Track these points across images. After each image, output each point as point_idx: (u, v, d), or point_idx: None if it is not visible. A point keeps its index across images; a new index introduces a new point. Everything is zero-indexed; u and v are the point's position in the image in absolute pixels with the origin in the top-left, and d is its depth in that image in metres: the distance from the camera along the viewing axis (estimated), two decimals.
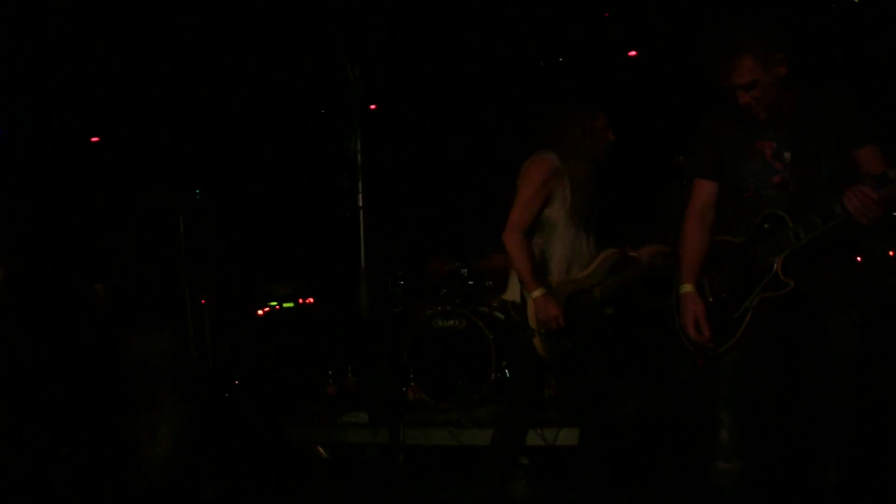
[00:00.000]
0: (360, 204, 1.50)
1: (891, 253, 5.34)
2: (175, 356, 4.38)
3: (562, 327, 3.49)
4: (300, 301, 6.90)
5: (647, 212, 5.32)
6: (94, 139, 7.24)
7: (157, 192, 4.49)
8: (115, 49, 5.75)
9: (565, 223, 3.60)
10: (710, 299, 2.69)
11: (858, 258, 5.17)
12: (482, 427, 4.87)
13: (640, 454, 4.42)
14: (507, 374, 5.38)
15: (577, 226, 3.62)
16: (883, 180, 2.24)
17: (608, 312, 3.72)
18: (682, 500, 3.65)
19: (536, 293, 3.51)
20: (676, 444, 4.32)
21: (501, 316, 5.52)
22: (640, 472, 4.20)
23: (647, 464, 4.33)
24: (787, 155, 2.55)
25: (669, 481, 4.03)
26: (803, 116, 2.53)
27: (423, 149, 7.33)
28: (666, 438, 4.53)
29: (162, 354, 4.33)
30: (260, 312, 6.87)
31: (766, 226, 2.54)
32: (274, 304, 6.94)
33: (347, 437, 5.03)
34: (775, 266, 2.51)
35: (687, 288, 2.71)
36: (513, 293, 3.73)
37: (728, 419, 2.61)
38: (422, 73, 6.93)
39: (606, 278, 3.68)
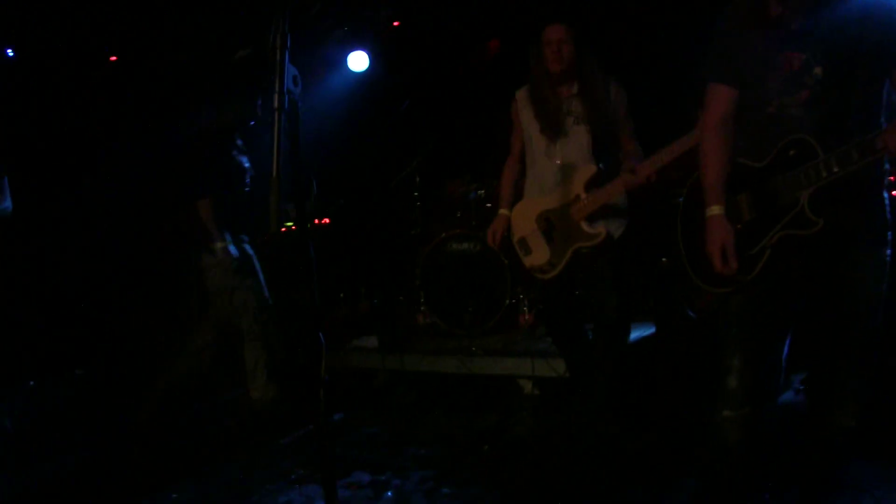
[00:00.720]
0: (276, 105, 1.32)
1: None
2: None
3: (497, 246, 3.93)
4: (315, 222, 6.76)
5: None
6: (113, 59, 7.06)
7: (220, 112, 4.38)
8: None
9: (530, 147, 3.83)
10: (738, 226, 2.37)
11: (895, 193, 4.88)
12: (493, 355, 4.77)
13: (649, 388, 4.29)
14: (522, 300, 5.24)
15: (541, 149, 3.75)
16: None
17: (597, 232, 3.57)
18: (687, 437, 3.51)
19: (499, 213, 3.96)
20: (687, 382, 4.16)
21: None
22: (647, 407, 4.07)
23: (655, 399, 4.20)
24: (817, 70, 2.23)
25: (678, 418, 3.89)
26: (839, 30, 2.21)
27: (442, 70, 7.06)
28: (678, 374, 4.37)
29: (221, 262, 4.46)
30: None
31: (791, 152, 2.23)
32: (290, 224, 6.82)
33: (356, 363, 4.96)
34: (802, 201, 2.21)
35: (715, 210, 2.37)
36: None
37: (737, 364, 2.36)
38: None
39: (581, 198, 3.61)
